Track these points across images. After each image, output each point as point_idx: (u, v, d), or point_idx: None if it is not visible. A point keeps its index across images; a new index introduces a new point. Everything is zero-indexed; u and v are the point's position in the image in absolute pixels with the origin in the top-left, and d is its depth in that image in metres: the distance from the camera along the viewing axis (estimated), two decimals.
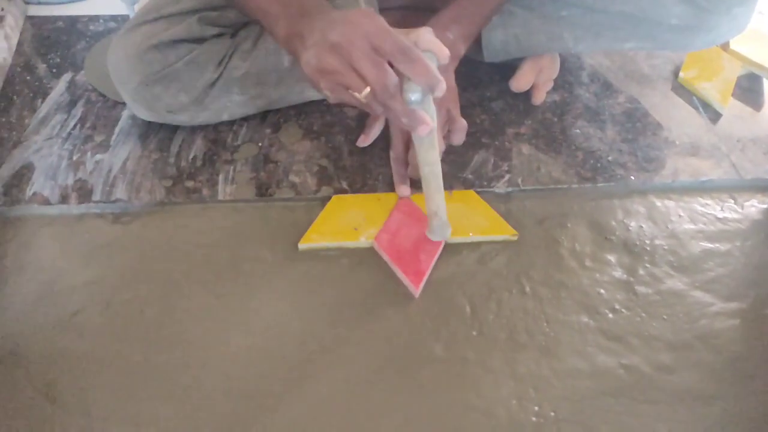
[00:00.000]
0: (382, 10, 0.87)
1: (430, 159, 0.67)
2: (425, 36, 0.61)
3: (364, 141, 0.84)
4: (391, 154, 0.81)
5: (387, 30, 0.57)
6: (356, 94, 0.58)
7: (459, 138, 0.79)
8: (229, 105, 0.83)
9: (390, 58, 0.57)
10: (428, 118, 0.61)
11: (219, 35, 0.80)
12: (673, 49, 0.86)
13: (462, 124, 0.78)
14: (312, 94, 0.87)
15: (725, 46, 1.00)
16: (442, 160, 0.84)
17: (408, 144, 0.79)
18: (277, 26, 0.63)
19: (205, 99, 0.81)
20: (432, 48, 0.61)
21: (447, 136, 0.79)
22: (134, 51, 0.76)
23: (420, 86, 0.58)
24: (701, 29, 0.80)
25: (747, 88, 0.97)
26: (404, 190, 0.79)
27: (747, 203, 0.83)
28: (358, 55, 0.56)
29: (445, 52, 0.61)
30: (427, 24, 0.78)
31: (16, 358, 0.66)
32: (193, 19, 0.77)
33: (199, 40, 0.78)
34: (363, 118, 0.88)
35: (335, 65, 0.58)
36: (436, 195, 0.70)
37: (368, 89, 0.57)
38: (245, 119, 0.88)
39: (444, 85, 0.58)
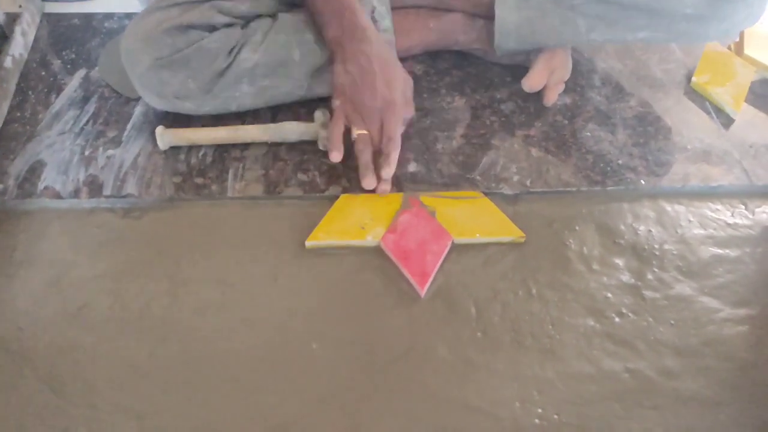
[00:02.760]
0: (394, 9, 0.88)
1: None
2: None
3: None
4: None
5: (400, 120, 0.79)
6: (354, 129, 0.78)
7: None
8: (238, 95, 0.83)
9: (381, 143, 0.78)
10: None
11: (230, 25, 0.81)
12: (688, 40, 0.85)
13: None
14: (321, 91, 0.87)
15: (739, 51, 0.99)
16: (450, 161, 0.84)
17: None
18: (329, 27, 0.80)
19: (213, 88, 0.81)
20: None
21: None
22: (146, 35, 0.78)
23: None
24: (715, 18, 0.79)
25: (760, 94, 0.96)
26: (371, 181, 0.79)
27: (758, 209, 0.82)
28: (371, 120, 0.78)
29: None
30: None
31: (23, 350, 0.67)
32: (205, 6, 0.79)
33: (210, 28, 0.80)
34: None
35: (353, 107, 0.79)
36: None
37: (363, 132, 0.78)
38: (255, 117, 0.88)
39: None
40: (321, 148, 0.83)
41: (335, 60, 0.80)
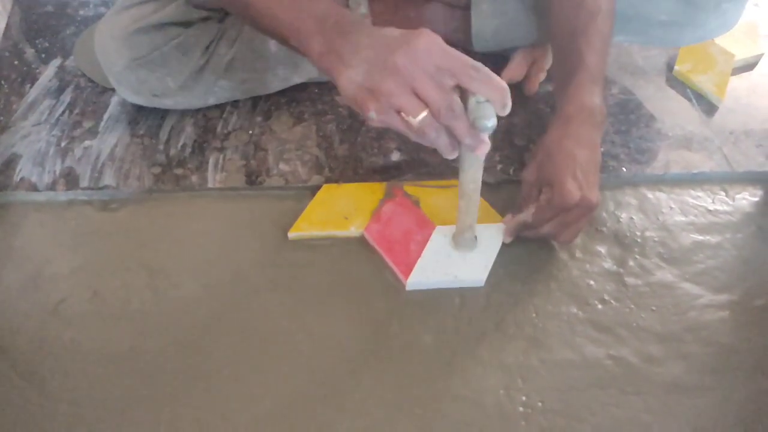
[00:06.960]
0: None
1: (477, 177, 0.65)
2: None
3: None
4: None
5: (452, 50, 0.54)
6: (410, 118, 0.54)
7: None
8: (216, 89, 0.82)
9: (460, 78, 0.54)
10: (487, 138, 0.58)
11: (206, 19, 0.80)
12: (661, 44, 0.87)
13: None
14: (297, 79, 0.86)
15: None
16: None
17: None
18: (311, 42, 0.58)
19: (192, 85, 0.80)
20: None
21: None
22: (121, 33, 0.76)
23: (494, 107, 0.55)
24: (689, 25, 0.81)
25: (740, 80, 0.97)
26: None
27: (738, 196, 0.83)
28: (422, 77, 0.53)
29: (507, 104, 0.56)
30: (563, 94, 0.73)
31: (1, 346, 0.65)
32: (180, 1, 0.77)
33: (186, 24, 0.78)
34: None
35: (392, 86, 0.53)
36: (475, 210, 0.69)
37: (425, 113, 0.54)
38: (235, 107, 0.87)
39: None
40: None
41: (335, 72, 0.57)
